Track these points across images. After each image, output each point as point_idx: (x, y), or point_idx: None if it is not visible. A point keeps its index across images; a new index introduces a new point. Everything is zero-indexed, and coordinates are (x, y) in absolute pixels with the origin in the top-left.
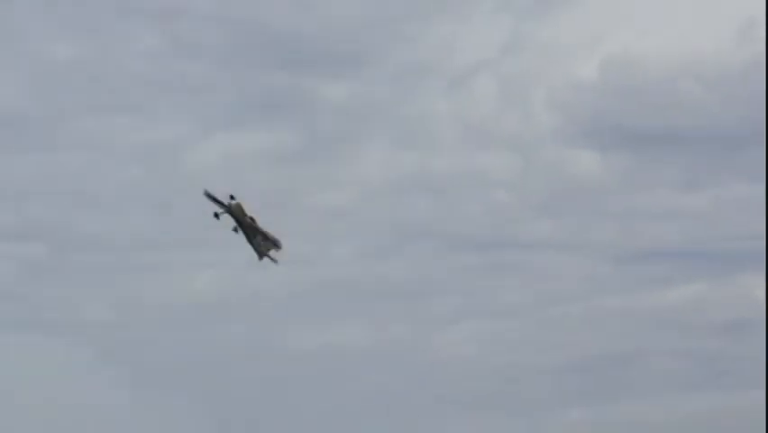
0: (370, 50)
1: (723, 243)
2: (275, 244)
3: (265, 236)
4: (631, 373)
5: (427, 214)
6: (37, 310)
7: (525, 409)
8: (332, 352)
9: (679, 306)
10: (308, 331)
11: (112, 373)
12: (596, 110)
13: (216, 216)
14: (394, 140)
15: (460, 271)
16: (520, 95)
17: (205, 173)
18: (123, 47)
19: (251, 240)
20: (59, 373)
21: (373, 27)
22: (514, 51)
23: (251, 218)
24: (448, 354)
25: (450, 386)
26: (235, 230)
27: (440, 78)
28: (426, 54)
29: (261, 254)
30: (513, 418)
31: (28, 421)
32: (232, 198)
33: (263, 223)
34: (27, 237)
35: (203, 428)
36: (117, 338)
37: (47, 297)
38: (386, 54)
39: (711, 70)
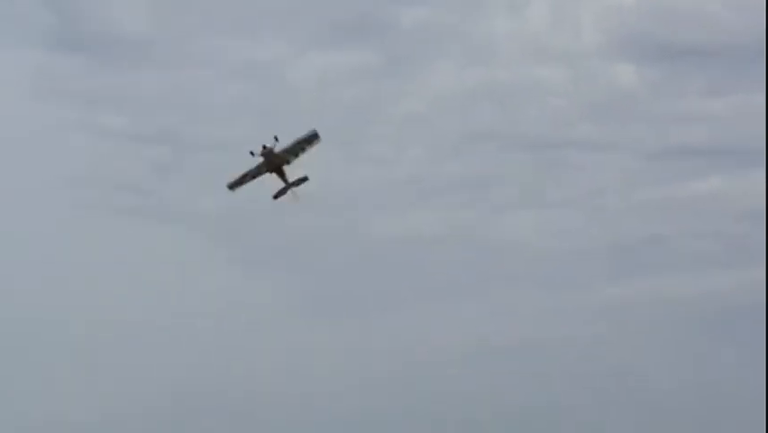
0: None
1: (742, 142)
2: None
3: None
4: (663, 253)
5: (491, 119)
6: (163, 203)
7: (571, 286)
8: (409, 238)
9: (704, 196)
10: (389, 221)
11: (224, 254)
12: (634, 29)
13: (253, 154)
14: (462, 56)
15: (517, 167)
16: (570, 16)
17: (303, 88)
18: None
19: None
20: (179, 256)
21: None
22: None
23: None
24: (506, 239)
25: (507, 266)
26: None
27: (501, 2)
28: None
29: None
30: (559, 293)
31: (152, 297)
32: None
33: None
34: (155, 140)
35: (302, 301)
36: (228, 226)
37: (171, 191)
38: None
39: None
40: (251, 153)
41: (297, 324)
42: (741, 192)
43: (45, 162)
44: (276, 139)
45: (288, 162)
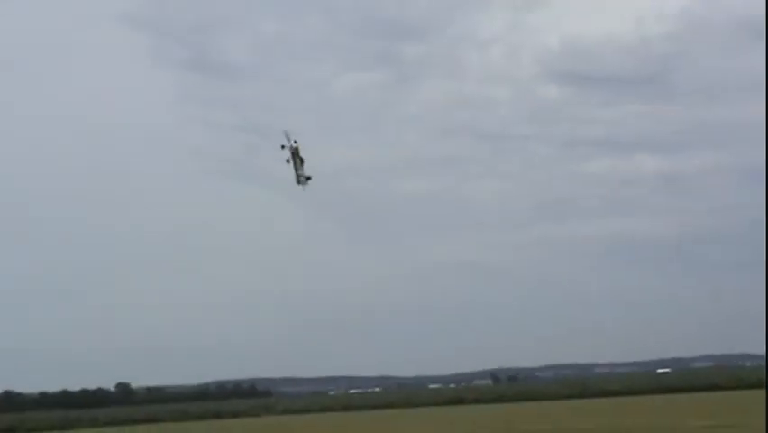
0: None
1: (626, 137)
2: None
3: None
4: (572, 208)
5: (462, 119)
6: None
7: (512, 227)
8: (408, 195)
9: (600, 171)
10: (396, 184)
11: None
12: (557, 62)
13: (283, 147)
14: (443, 77)
15: (479, 151)
16: (517, 53)
17: (342, 95)
18: None
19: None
20: (262, 205)
21: None
22: None
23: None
24: (472, 197)
25: (472, 214)
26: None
27: (471, 42)
28: None
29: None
30: (504, 232)
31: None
32: (295, 141)
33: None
34: (248, 131)
35: (348, 235)
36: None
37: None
38: None
39: None
40: (282, 147)
41: (346, 249)
42: (623, 169)
43: (179, 142)
44: (295, 142)
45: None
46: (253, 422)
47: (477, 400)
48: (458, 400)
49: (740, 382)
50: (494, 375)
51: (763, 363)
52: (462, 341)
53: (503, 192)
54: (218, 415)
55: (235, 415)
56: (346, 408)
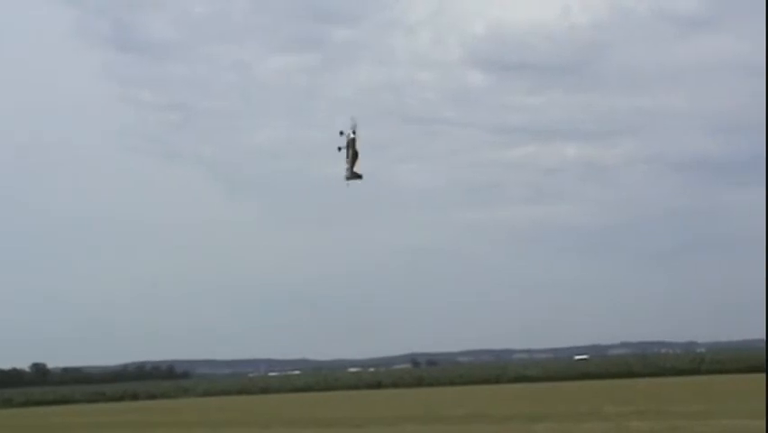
0: None
1: (549, 124)
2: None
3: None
4: (498, 193)
5: (390, 103)
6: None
7: (439, 211)
8: (338, 179)
9: (524, 157)
10: (325, 167)
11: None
12: (482, 49)
13: (342, 133)
14: (372, 62)
15: (406, 135)
16: (443, 39)
17: (269, 78)
18: None
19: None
20: (185, 184)
21: None
22: None
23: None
24: (399, 181)
25: (400, 197)
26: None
27: (400, 28)
28: None
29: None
30: (432, 215)
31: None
32: (354, 132)
33: None
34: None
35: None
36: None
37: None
38: None
39: None
40: (341, 133)
41: (269, 231)
42: (547, 156)
43: (105, 120)
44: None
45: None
46: (171, 403)
47: (395, 385)
48: (376, 384)
49: (656, 369)
50: (413, 360)
51: (678, 351)
52: (382, 325)
53: (429, 176)
54: (135, 396)
55: (153, 396)
56: (265, 390)
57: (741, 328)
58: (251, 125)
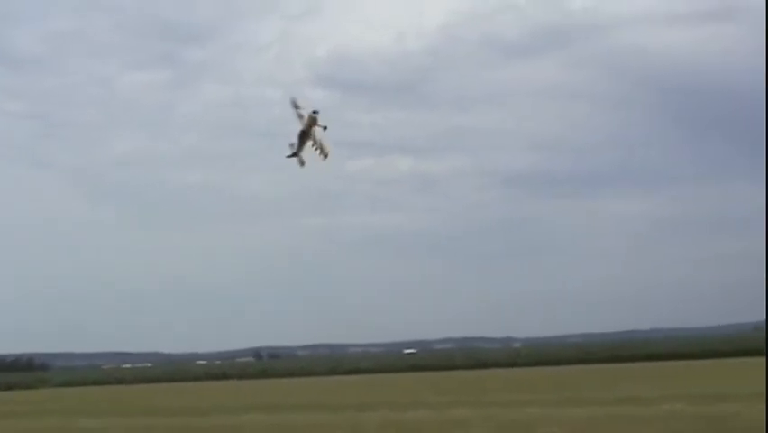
0: None
1: (386, 139)
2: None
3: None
4: (341, 200)
5: (236, 118)
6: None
7: (291, 218)
8: (192, 185)
9: (362, 170)
10: (179, 175)
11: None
12: (325, 69)
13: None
14: (221, 80)
15: (251, 146)
16: (288, 59)
17: (128, 93)
18: None
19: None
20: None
21: None
22: None
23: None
24: (248, 190)
25: (252, 206)
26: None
27: (249, 47)
28: None
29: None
30: (285, 222)
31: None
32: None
33: None
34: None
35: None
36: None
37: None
38: None
39: None
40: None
41: (125, 235)
42: (384, 168)
43: None
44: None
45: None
46: (29, 394)
47: (240, 376)
48: (222, 376)
49: (476, 362)
50: (256, 353)
51: (497, 346)
52: (228, 321)
53: (275, 186)
54: None
55: (10, 387)
56: (119, 381)
57: (553, 325)
58: (111, 136)
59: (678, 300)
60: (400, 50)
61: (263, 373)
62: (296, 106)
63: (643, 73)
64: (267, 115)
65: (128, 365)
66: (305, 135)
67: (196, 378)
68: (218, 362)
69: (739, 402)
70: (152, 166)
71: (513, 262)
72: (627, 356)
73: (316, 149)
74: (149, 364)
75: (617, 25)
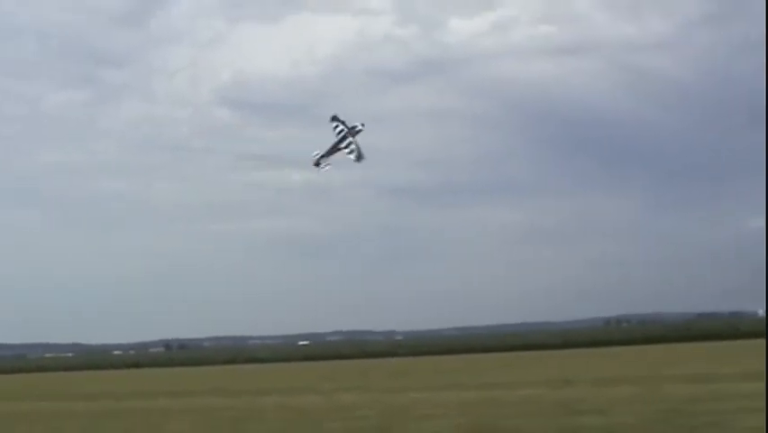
0: None
1: (279, 153)
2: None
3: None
4: (240, 208)
5: (149, 133)
6: None
7: (189, 223)
8: (102, 195)
9: (259, 182)
10: (95, 185)
11: None
12: (228, 91)
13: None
14: (139, 98)
15: (162, 161)
16: (193, 83)
17: (53, 109)
18: None
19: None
20: None
21: None
22: None
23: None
24: (157, 197)
25: (151, 210)
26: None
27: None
28: None
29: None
30: (186, 227)
31: None
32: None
33: None
34: None
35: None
36: None
37: None
38: None
39: None
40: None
41: (50, 236)
42: (280, 179)
43: None
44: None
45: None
46: None
47: (151, 365)
48: (135, 365)
49: (363, 353)
50: (166, 344)
51: (381, 338)
52: (141, 315)
53: (183, 194)
54: None
55: None
56: (41, 369)
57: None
58: (36, 148)
59: (542, 297)
60: (296, 76)
61: (172, 362)
62: (336, 120)
63: (512, 100)
64: (177, 132)
65: (51, 355)
66: (341, 142)
67: (113, 366)
68: (132, 352)
69: (586, 387)
70: (74, 175)
71: (396, 264)
72: (497, 347)
73: (351, 153)
74: (70, 354)
75: (489, 57)
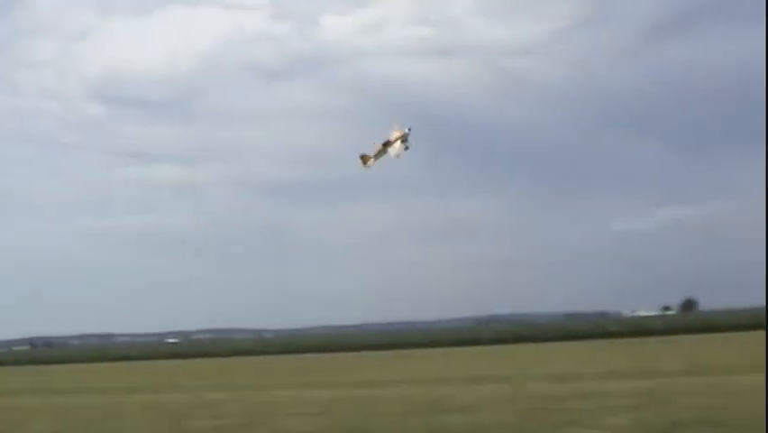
0: None
1: (170, 151)
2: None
3: None
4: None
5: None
6: None
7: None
8: None
9: (146, 178)
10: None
11: None
12: (100, 88)
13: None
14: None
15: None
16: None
17: None
18: None
19: None
20: None
21: None
22: None
23: None
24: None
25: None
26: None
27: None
28: None
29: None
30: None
31: None
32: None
33: None
34: None
35: None
36: None
37: None
38: None
39: None
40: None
41: None
42: (155, 175)
43: None
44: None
45: None
46: None
47: (16, 363)
48: None
49: (231, 351)
50: (31, 342)
51: (250, 336)
52: (4, 311)
53: (49, 188)
54: None
55: None
56: None
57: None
58: None
59: (412, 297)
60: (170, 71)
61: (37, 360)
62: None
63: (386, 99)
64: (44, 127)
65: None
66: (389, 144)
67: None
68: None
69: (455, 385)
70: None
71: (267, 261)
72: (367, 345)
73: (396, 156)
74: None
75: (364, 56)
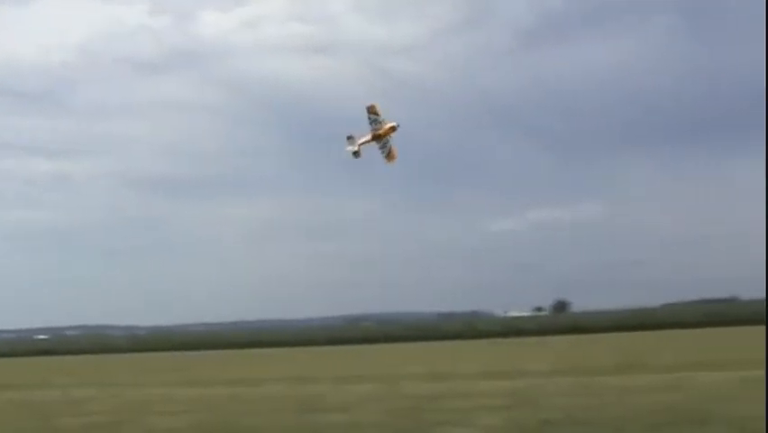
0: None
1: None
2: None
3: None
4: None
5: None
6: None
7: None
8: None
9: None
10: None
11: None
12: None
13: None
14: None
15: None
16: None
17: None
18: None
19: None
20: None
21: None
22: None
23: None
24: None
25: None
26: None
27: None
28: None
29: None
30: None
31: None
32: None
33: None
34: None
35: None
36: None
37: None
38: None
39: None
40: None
41: None
42: (28, 168)
43: None
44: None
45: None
46: None
47: None
48: None
49: (104, 348)
50: None
51: (122, 333)
52: None
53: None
54: None
55: None
56: None
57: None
58: None
59: (284, 294)
60: (44, 62)
61: None
62: (374, 113)
63: (263, 96)
64: None
65: None
66: (378, 138)
67: None
68: None
69: (327, 384)
70: None
71: (141, 257)
72: (239, 343)
73: (385, 154)
74: None
75: (242, 52)
